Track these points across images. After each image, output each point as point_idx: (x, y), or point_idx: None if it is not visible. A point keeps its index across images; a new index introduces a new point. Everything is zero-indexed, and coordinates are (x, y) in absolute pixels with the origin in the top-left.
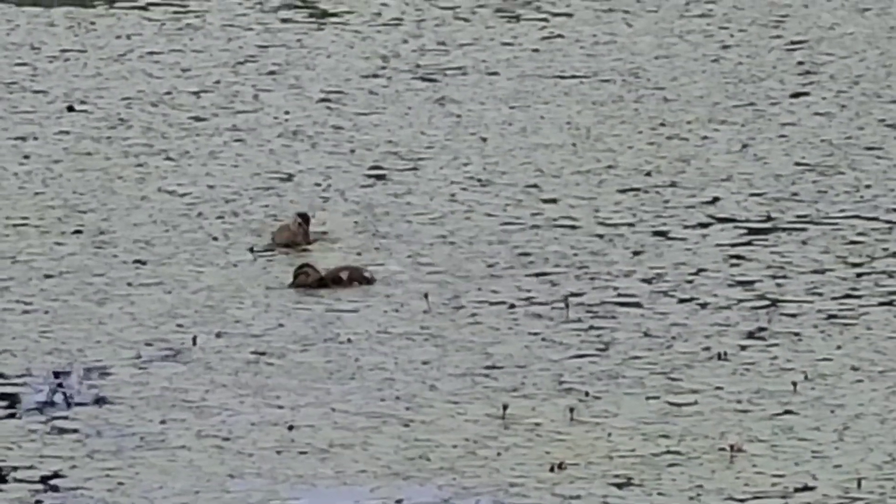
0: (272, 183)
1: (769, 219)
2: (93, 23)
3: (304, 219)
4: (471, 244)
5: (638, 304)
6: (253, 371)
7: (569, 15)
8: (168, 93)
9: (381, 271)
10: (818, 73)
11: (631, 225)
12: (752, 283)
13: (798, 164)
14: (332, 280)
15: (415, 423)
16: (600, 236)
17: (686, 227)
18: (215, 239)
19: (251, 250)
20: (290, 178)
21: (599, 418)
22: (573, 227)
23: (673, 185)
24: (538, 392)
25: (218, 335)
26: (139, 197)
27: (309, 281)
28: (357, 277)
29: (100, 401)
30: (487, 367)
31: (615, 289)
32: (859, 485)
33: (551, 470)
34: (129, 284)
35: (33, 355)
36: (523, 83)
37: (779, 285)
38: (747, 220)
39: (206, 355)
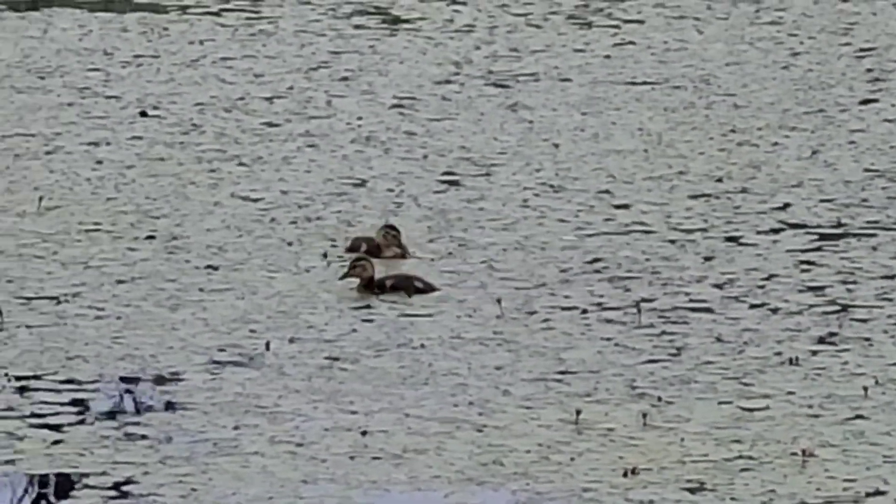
0: (345, 189)
1: (839, 224)
2: (166, 28)
3: (392, 229)
4: (543, 250)
5: (709, 310)
6: (326, 376)
7: (640, 22)
8: (241, 98)
9: (453, 277)
10: (887, 79)
11: (702, 230)
12: (822, 288)
13: (867, 170)
14: (377, 285)
15: (488, 428)
16: (672, 242)
17: (757, 232)
18: (290, 244)
19: (324, 255)
20: (363, 183)
21: (672, 423)
22: (645, 232)
23: (744, 191)
24: (611, 397)
25: (291, 340)
26: (212, 202)
27: (364, 275)
28: (403, 286)
29: (172, 406)
30: (560, 373)
31: (687, 294)
32: None
33: (624, 475)
34: (202, 290)
35: (105, 361)
36: (595, 89)
37: (849, 290)
38: (818, 226)
39: (279, 360)
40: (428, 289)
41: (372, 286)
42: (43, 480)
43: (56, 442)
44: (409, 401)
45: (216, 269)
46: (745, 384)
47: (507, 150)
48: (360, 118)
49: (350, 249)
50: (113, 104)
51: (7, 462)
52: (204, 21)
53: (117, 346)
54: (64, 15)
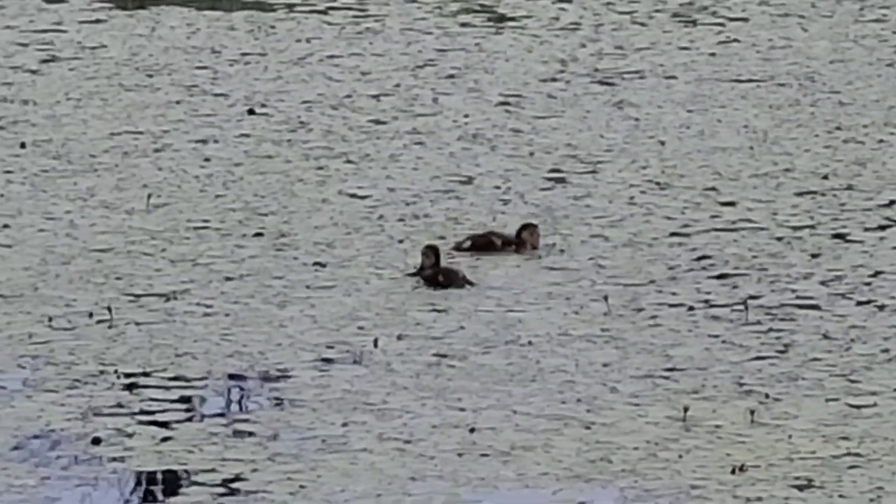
0: (452, 186)
1: None
2: (273, 26)
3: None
4: (650, 247)
5: (817, 307)
6: (434, 373)
7: (745, 20)
8: (348, 96)
9: (560, 274)
10: None
11: (809, 227)
12: None
13: None
14: (430, 278)
15: (596, 425)
16: (779, 239)
17: (864, 229)
18: (401, 242)
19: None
20: (469, 181)
21: (780, 420)
22: (752, 229)
23: (850, 188)
24: (718, 394)
25: (399, 338)
26: (320, 200)
27: (427, 263)
28: (453, 280)
29: (281, 404)
30: (668, 370)
31: (794, 291)
32: None
33: (732, 472)
34: (310, 287)
35: (214, 358)
36: (700, 87)
37: None
38: None
39: (387, 358)
40: (466, 284)
41: (435, 280)
42: (152, 477)
43: (165, 439)
44: (516, 398)
45: (324, 266)
46: (853, 381)
47: (612, 147)
48: (466, 116)
49: (477, 247)
50: (221, 102)
51: (116, 459)
52: (311, 19)
53: (226, 343)
54: (172, 13)
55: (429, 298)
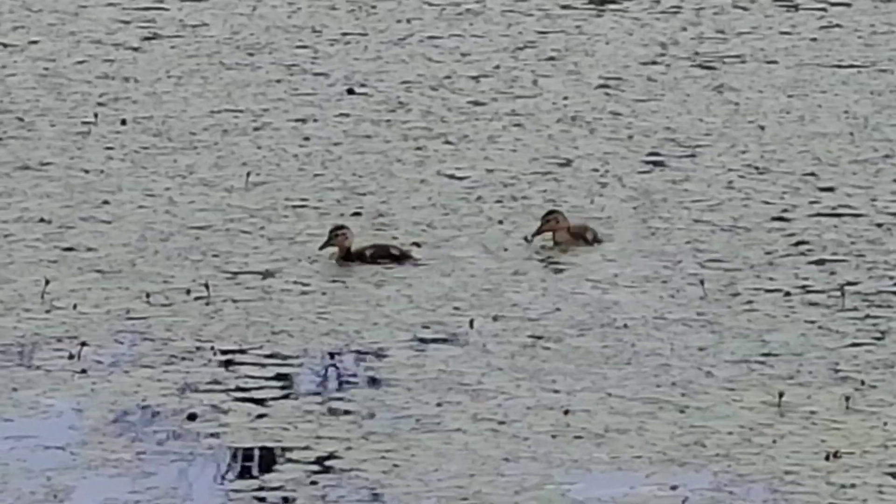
0: (550, 168)
1: None
2: (374, 6)
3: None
4: (748, 231)
5: None
6: (529, 355)
7: (847, 4)
8: (448, 77)
9: (656, 257)
10: None
11: None
12: None
13: None
14: (357, 255)
15: (690, 409)
16: (878, 225)
17: None
18: (500, 223)
19: (526, 239)
20: (568, 163)
21: (875, 407)
22: (851, 215)
23: None
24: (814, 380)
25: (495, 319)
26: (418, 180)
27: (343, 244)
28: (382, 255)
29: (376, 382)
30: (764, 355)
31: (892, 278)
32: None
33: (826, 458)
34: (408, 266)
35: (310, 336)
36: (801, 72)
37: None
38: None
39: (482, 338)
40: (404, 257)
41: (350, 256)
42: (247, 454)
43: (260, 416)
44: (611, 380)
45: (420, 246)
46: None
47: (712, 131)
48: (565, 98)
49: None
50: (321, 81)
51: (212, 435)
52: (410, 0)
53: (322, 321)
54: None
55: (527, 280)
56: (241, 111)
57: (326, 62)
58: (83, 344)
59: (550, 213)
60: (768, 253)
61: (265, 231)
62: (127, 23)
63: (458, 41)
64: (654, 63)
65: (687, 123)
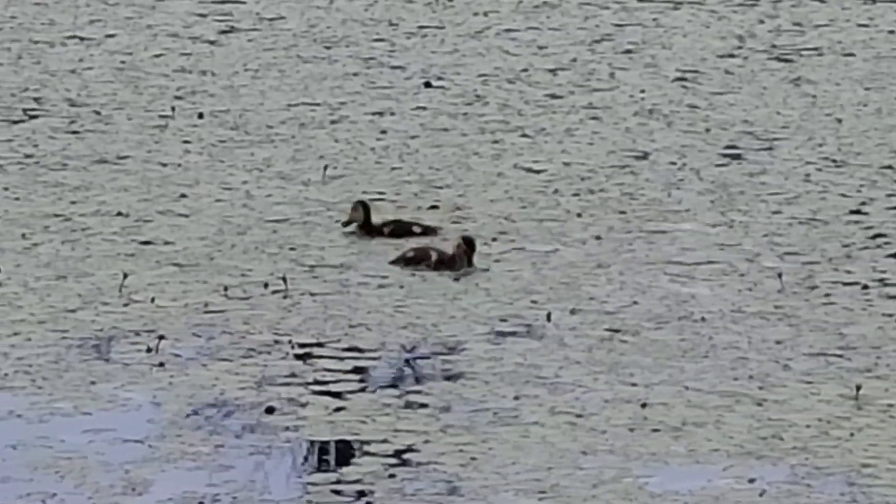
0: (627, 161)
1: None
2: (450, 0)
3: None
4: (826, 224)
5: None
6: (607, 348)
7: None
8: (525, 70)
9: (733, 250)
10: None
11: None
12: None
13: None
14: (376, 230)
15: (768, 402)
16: None
17: None
18: (579, 216)
19: (598, 237)
20: (645, 156)
21: None
22: None
23: None
24: (892, 373)
25: (572, 312)
26: (495, 173)
27: (358, 217)
28: (401, 232)
29: (453, 376)
30: (841, 348)
31: None
32: None
33: None
34: (485, 260)
35: (388, 330)
36: (879, 65)
37: None
38: None
39: (560, 332)
40: (427, 231)
41: (369, 229)
42: (324, 447)
43: (338, 409)
44: (689, 374)
45: (495, 239)
46: None
47: (789, 124)
48: (642, 91)
49: None
50: (397, 74)
51: (290, 429)
52: None
53: (399, 314)
54: None
55: (605, 274)
56: (318, 104)
57: (403, 55)
58: (161, 337)
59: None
60: (846, 246)
61: (342, 224)
62: (204, 16)
63: (536, 34)
64: (732, 56)
65: (764, 116)
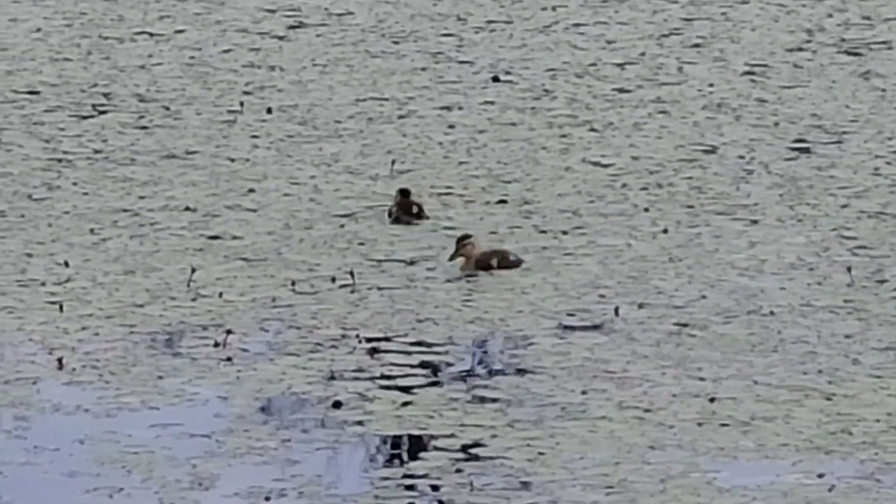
0: (696, 155)
1: None
2: None
3: None
4: (895, 218)
5: None
6: (675, 342)
7: None
8: (593, 64)
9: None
10: None
11: None
12: None
13: None
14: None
15: (837, 396)
16: None
17: None
18: (647, 210)
19: (665, 230)
20: (713, 150)
21: None
22: None
23: None
24: None
25: (640, 306)
26: (563, 167)
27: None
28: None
29: (521, 370)
30: None
31: None
32: None
33: None
34: (553, 254)
35: (455, 324)
36: None
37: None
38: None
39: (628, 326)
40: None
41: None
42: (392, 441)
43: (406, 403)
44: (757, 368)
45: (566, 233)
46: None
47: (858, 118)
48: (711, 85)
49: None
50: (466, 69)
51: (357, 423)
52: None
53: (467, 309)
54: None
55: (673, 268)
56: (386, 99)
57: (471, 50)
58: (229, 332)
59: (464, 238)
60: None
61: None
62: (273, 12)
63: (604, 28)
64: (800, 49)
65: (833, 110)
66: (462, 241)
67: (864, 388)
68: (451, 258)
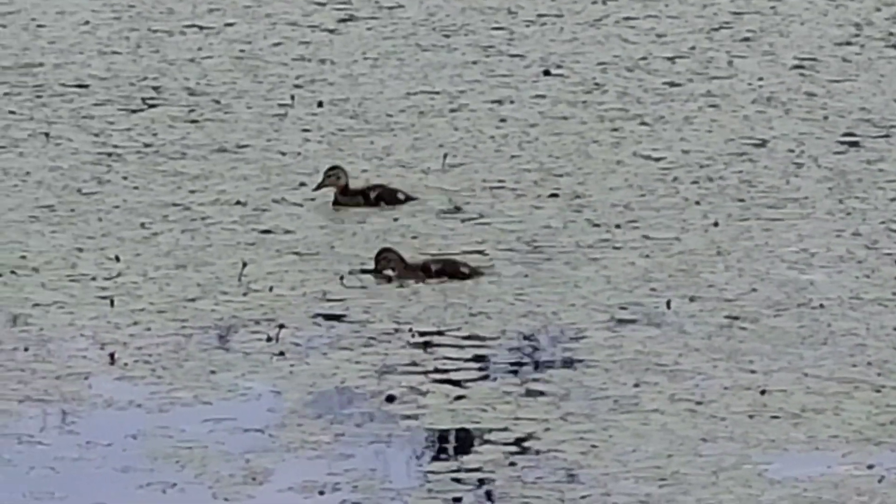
0: (746, 149)
1: None
2: None
3: None
4: None
5: None
6: (726, 335)
7: None
8: (643, 58)
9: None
10: None
11: None
12: None
13: None
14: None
15: (886, 388)
16: None
17: None
18: (698, 203)
19: (715, 224)
20: (763, 144)
21: None
22: None
23: None
24: None
25: (692, 299)
26: (614, 161)
27: (338, 184)
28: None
29: (573, 363)
30: None
31: None
32: None
33: None
34: (605, 248)
35: (508, 318)
36: None
37: None
38: None
39: (679, 319)
40: (410, 199)
41: (347, 193)
42: (445, 435)
43: (458, 397)
44: (807, 360)
45: (618, 227)
46: None
47: None
48: (760, 79)
49: None
50: (516, 63)
51: (410, 417)
52: None
53: (519, 302)
54: None
55: (724, 261)
56: (437, 93)
57: (522, 43)
58: (281, 326)
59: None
60: None
61: (461, 213)
62: (323, 5)
63: (654, 22)
64: (849, 44)
65: (882, 104)
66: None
67: None
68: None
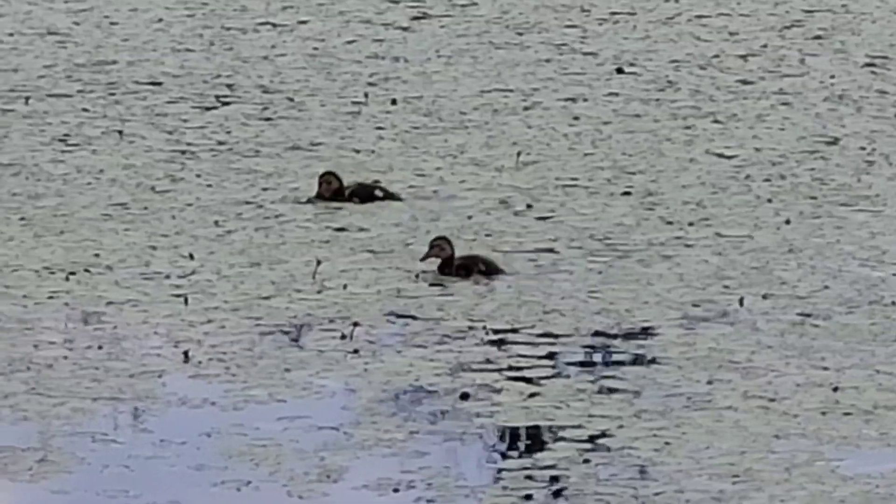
0: (818, 147)
1: None
2: None
3: None
4: None
5: None
6: (798, 332)
7: None
8: (716, 56)
9: None
10: None
11: None
12: None
13: None
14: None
15: None
16: None
17: None
18: (770, 201)
19: (787, 222)
20: (835, 141)
21: None
22: None
23: None
24: None
25: (765, 296)
26: (687, 159)
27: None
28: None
29: (647, 361)
30: None
31: None
32: None
33: None
34: (678, 245)
35: (581, 315)
36: None
37: None
38: None
39: (752, 316)
40: (388, 196)
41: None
42: (518, 433)
43: (532, 395)
44: (880, 357)
45: (691, 224)
46: None
47: None
48: (832, 76)
49: None
50: (590, 60)
51: (484, 414)
52: None
53: (593, 300)
54: None
55: (796, 259)
56: (510, 91)
57: (595, 41)
58: (355, 324)
59: (437, 239)
60: None
61: (535, 210)
62: (396, 2)
63: (726, 20)
64: None
65: None
66: (435, 242)
67: None
68: (424, 259)
